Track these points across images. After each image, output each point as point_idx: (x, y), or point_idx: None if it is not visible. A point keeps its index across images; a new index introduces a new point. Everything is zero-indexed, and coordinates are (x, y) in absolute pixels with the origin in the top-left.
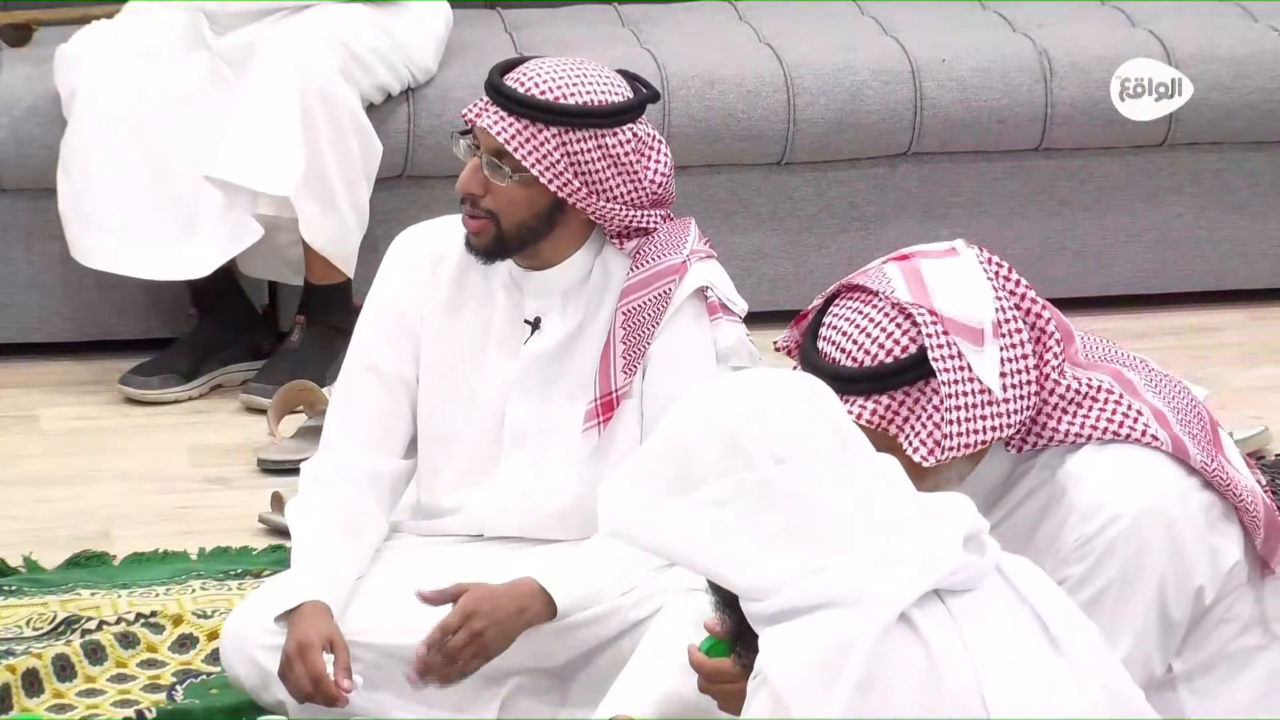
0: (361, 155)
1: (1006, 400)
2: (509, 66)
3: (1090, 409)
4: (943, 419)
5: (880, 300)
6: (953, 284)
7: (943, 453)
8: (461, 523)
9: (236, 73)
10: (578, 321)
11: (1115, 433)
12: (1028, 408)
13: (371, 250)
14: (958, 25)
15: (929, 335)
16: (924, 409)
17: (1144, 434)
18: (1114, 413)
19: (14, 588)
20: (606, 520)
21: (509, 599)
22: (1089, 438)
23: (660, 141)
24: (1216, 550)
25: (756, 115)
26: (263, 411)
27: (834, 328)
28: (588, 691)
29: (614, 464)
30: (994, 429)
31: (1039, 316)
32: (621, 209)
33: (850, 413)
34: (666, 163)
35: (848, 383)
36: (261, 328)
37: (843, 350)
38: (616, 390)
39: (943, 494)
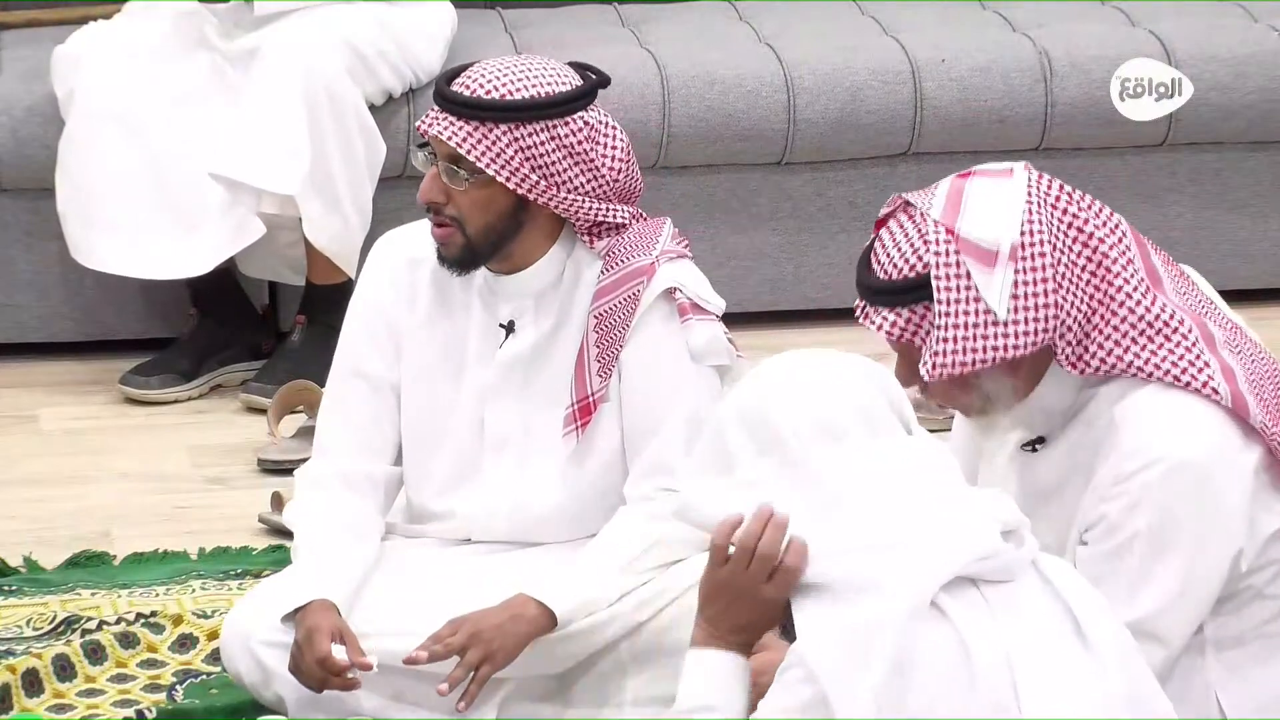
0: (366, 155)
1: (1016, 322)
2: (455, 74)
3: (1160, 345)
4: (939, 337)
5: (917, 218)
6: (986, 205)
7: (936, 370)
8: (450, 528)
9: (240, 71)
10: (551, 324)
11: (1176, 378)
12: (1043, 330)
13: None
14: (958, 25)
15: (935, 255)
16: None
17: (1204, 386)
18: (1180, 357)
19: (14, 588)
20: (672, 502)
21: (500, 609)
22: (1150, 374)
23: (614, 127)
24: (1257, 515)
25: (756, 115)
26: (263, 411)
27: (879, 240)
28: (588, 693)
29: (595, 467)
30: (995, 349)
31: (1102, 241)
32: (584, 200)
33: (875, 323)
34: (623, 147)
35: (874, 294)
36: (261, 328)
37: (878, 262)
38: (593, 394)
39: (985, 489)
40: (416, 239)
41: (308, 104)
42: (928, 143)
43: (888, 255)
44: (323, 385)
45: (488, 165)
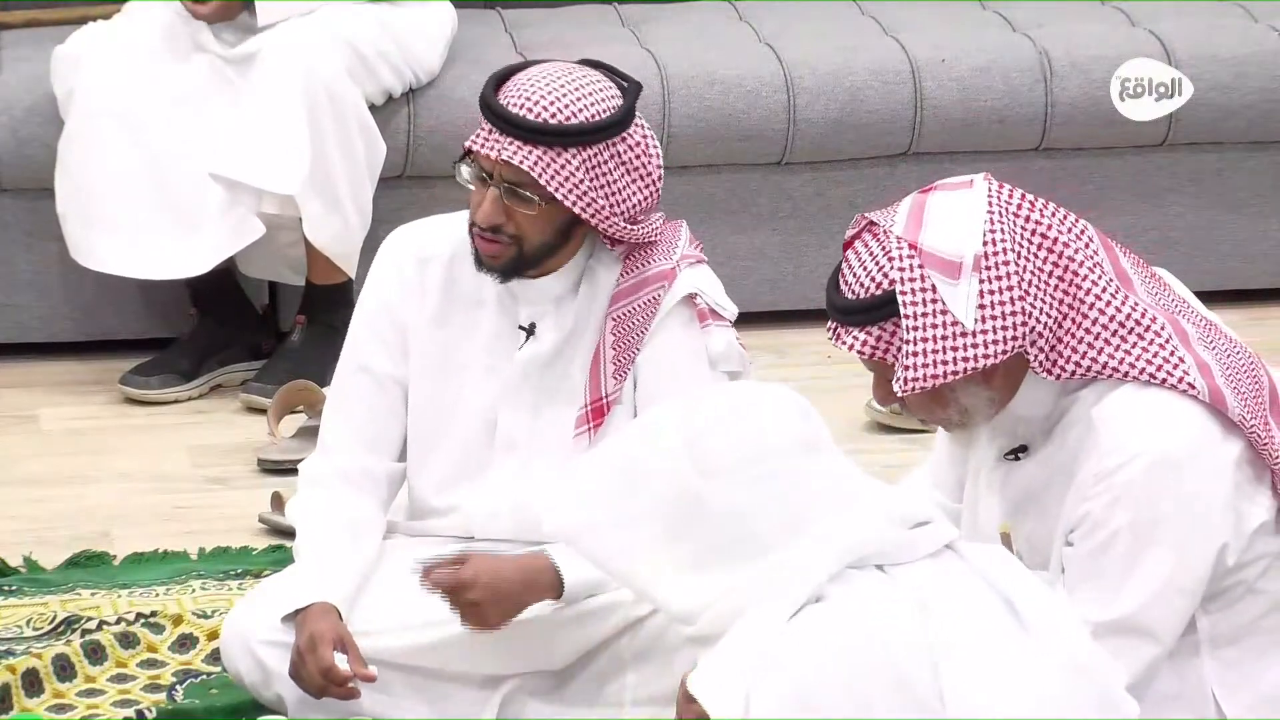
0: (366, 155)
1: (984, 332)
2: (498, 85)
3: (1134, 344)
4: (908, 351)
5: (881, 235)
6: (947, 218)
7: (908, 385)
8: (452, 524)
9: (240, 72)
10: (570, 327)
11: (1152, 375)
12: (1012, 337)
13: (372, 250)
14: (958, 25)
15: (900, 270)
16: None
17: (1180, 381)
18: (1155, 354)
19: (14, 588)
20: (552, 524)
21: (516, 572)
22: (1126, 374)
23: (651, 133)
24: (1241, 507)
25: (756, 115)
26: (263, 411)
27: (846, 262)
28: (588, 692)
29: None
30: (966, 359)
31: (1067, 246)
32: (632, 228)
33: (846, 343)
34: (659, 152)
35: (844, 314)
36: (261, 328)
37: (846, 283)
38: (606, 396)
39: (897, 489)
40: (427, 237)
41: (308, 104)
42: (928, 143)
43: (854, 275)
44: (323, 385)
45: (557, 189)
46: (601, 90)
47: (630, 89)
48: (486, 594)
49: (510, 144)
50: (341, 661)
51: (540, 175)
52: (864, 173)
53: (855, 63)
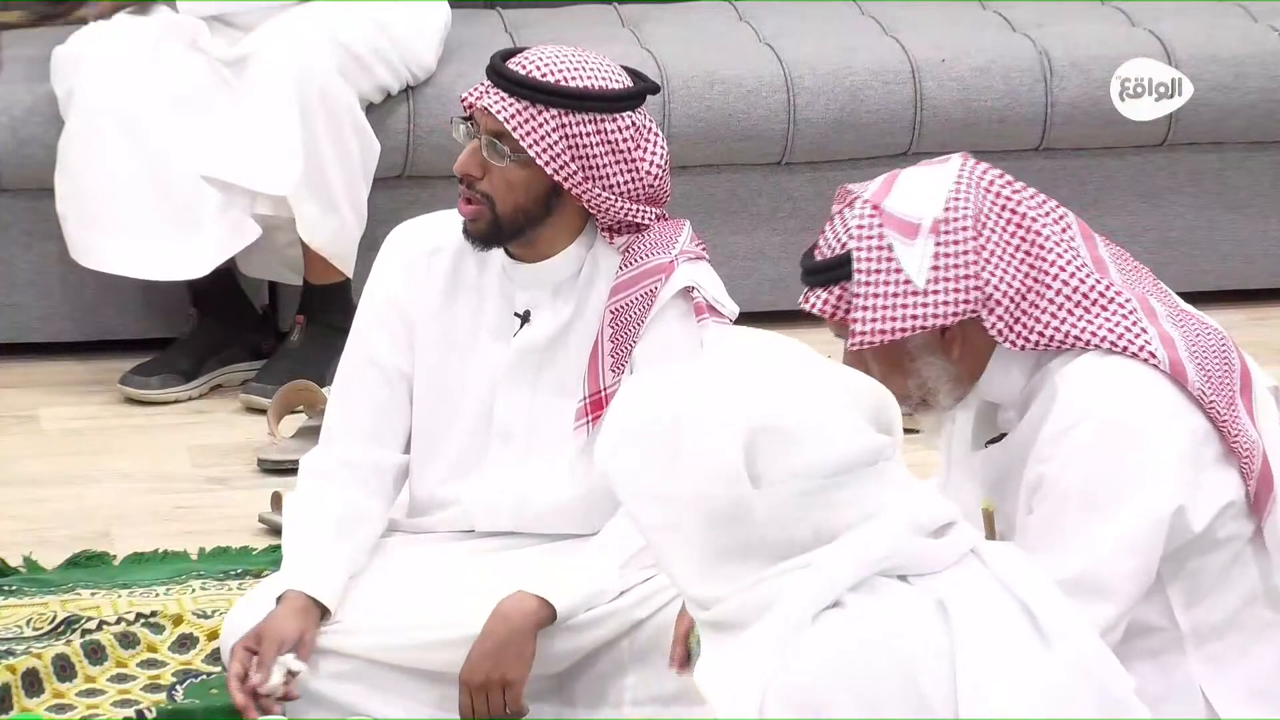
0: (360, 155)
1: (935, 292)
2: (512, 53)
3: (1097, 315)
4: (859, 305)
5: (854, 202)
6: (915, 184)
7: (858, 338)
8: (453, 518)
9: (236, 73)
10: (567, 316)
11: (1114, 344)
12: (963, 300)
13: (371, 250)
14: (958, 25)
15: (858, 227)
16: None
17: (1141, 350)
18: (1117, 324)
19: (14, 588)
20: (609, 471)
21: (489, 627)
22: (1088, 343)
23: (657, 134)
24: (1209, 481)
25: (756, 115)
26: (263, 411)
27: (823, 228)
28: (588, 693)
29: None
30: (915, 317)
31: (1035, 221)
32: (616, 200)
33: (811, 304)
34: (663, 154)
35: (809, 274)
36: (261, 328)
37: (818, 248)
38: (605, 389)
39: (922, 491)
40: (432, 229)
41: (301, 105)
42: (928, 143)
43: (824, 239)
44: (323, 385)
45: (530, 146)
46: (607, 73)
47: (639, 85)
48: (471, 672)
49: (494, 93)
50: (280, 669)
51: (514, 127)
52: (864, 173)
53: (855, 63)
